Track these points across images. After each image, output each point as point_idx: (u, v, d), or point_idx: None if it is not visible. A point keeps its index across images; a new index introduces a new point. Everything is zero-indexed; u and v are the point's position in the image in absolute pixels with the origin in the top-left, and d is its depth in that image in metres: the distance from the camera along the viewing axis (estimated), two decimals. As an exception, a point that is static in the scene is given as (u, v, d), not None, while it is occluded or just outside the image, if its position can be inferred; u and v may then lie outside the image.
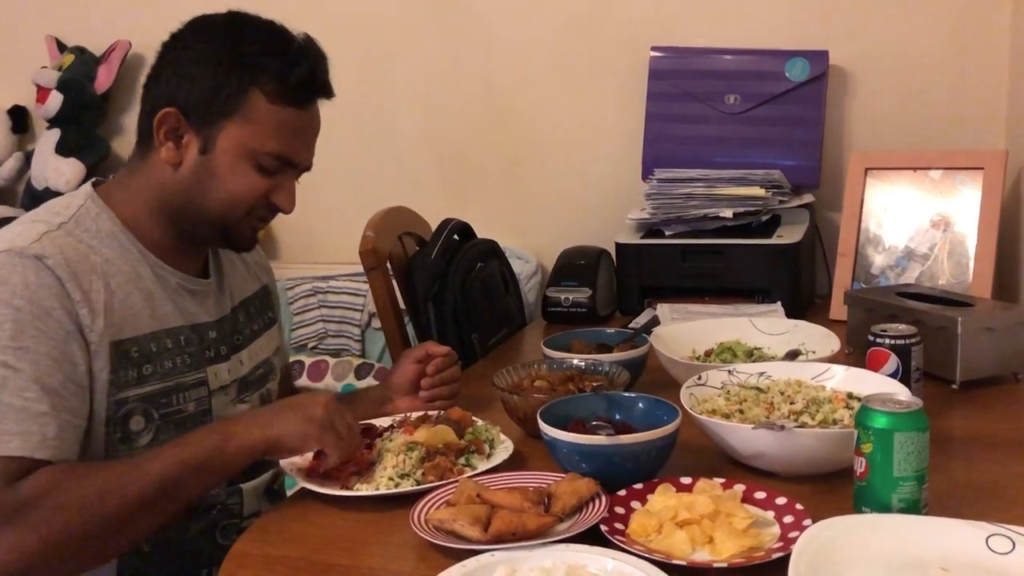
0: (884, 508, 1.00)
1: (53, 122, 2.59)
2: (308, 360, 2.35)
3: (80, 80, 2.54)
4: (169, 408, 1.20)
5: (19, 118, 2.71)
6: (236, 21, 1.23)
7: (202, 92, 1.18)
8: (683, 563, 0.93)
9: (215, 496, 1.28)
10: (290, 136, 1.22)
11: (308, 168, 1.29)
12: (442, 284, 1.83)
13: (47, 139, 2.59)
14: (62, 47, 2.63)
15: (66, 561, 1.06)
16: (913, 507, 0.99)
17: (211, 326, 1.29)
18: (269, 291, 1.48)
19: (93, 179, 1.28)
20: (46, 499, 1.02)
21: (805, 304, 1.94)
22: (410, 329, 1.88)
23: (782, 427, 1.09)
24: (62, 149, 2.56)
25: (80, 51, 2.59)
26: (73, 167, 2.53)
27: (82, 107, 2.56)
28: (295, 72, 1.20)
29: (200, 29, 1.23)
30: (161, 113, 1.19)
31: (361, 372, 2.29)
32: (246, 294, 1.40)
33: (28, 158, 2.67)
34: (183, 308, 1.25)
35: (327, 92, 1.26)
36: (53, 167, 2.54)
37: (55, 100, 2.54)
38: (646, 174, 2.07)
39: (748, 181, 1.94)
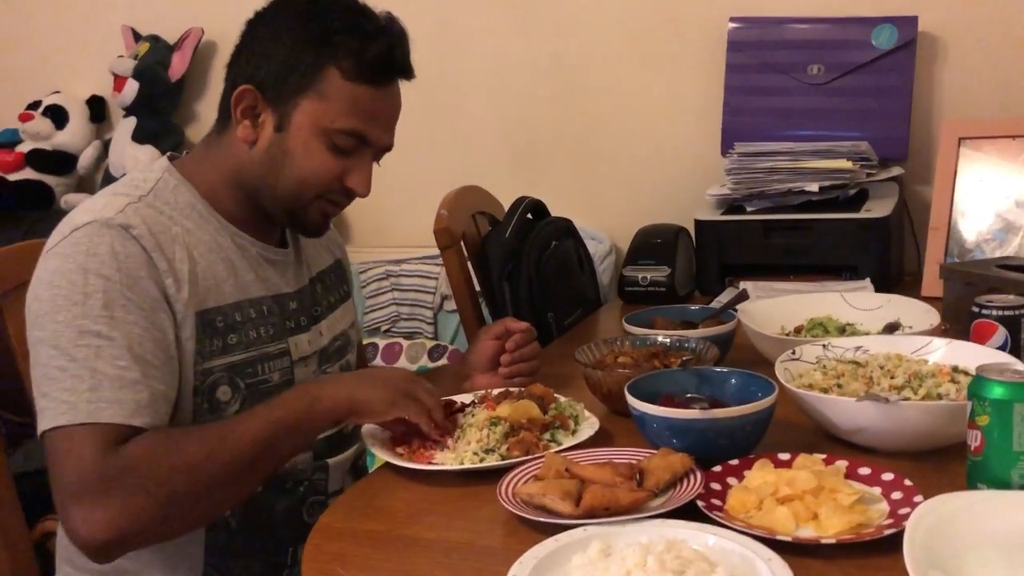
0: (1002, 485, 0.94)
1: (129, 110, 2.63)
2: (382, 343, 2.34)
3: (155, 68, 2.57)
4: (254, 378, 1.20)
5: (97, 108, 2.76)
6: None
7: (278, 69, 1.18)
8: (788, 539, 0.89)
9: (301, 472, 1.27)
10: (365, 114, 1.20)
11: (387, 149, 1.26)
12: (517, 263, 1.80)
13: (124, 127, 2.63)
14: (137, 36, 2.66)
15: (175, 521, 1.07)
16: (1036, 483, 0.93)
17: (291, 296, 1.29)
18: (342, 265, 1.47)
19: (168, 154, 1.28)
20: (150, 462, 1.03)
21: (894, 281, 1.86)
22: (484, 310, 1.86)
23: (887, 399, 1.04)
24: (138, 136, 2.59)
25: (155, 39, 2.62)
26: (149, 154, 2.56)
27: (157, 95, 2.59)
28: (371, 49, 1.18)
29: (281, 7, 1.22)
30: (239, 90, 1.18)
31: (435, 354, 2.28)
32: (322, 267, 1.39)
33: (106, 147, 2.72)
34: (264, 278, 1.25)
35: (406, 72, 1.24)
36: (130, 155, 2.58)
37: (131, 88, 2.58)
38: (726, 149, 2.00)
39: (834, 153, 1.87)
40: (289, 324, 1.27)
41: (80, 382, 1.04)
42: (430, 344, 2.31)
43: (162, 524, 1.05)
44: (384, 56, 1.19)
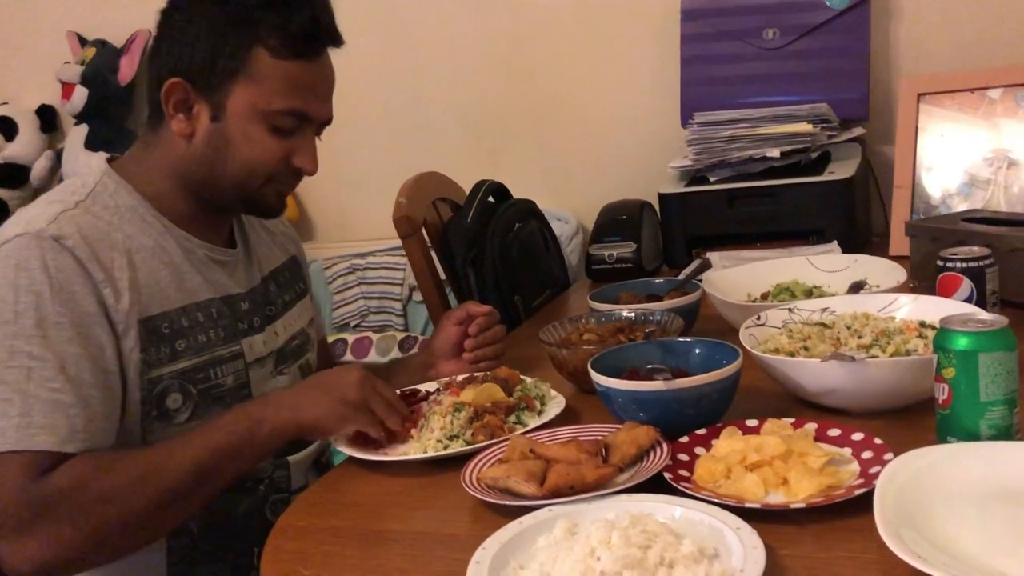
0: (972, 436, 0.92)
1: (80, 118, 2.57)
2: (351, 337, 2.31)
3: (103, 73, 2.51)
4: (207, 383, 1.16)
5: (47, 117, 2.70)
6: None
7: (204, 57, 1.13)
8: (757, 506, 0.86)
9: (261, 470, 1.24)
10: (301, 91, 1.15)
11: (327, 122, 1.22)
12: (480, 248, 1.77)
13: (76, 135, 2.57)
14: (83, 41, 2.60)
15: (104, 551, 1.04)
16: (1005, 433, 0.92)
17: (242, 297, 1.25)
18: (298, 261, 1.43)
19: (107, 156, 1.23)
20: (78, 492, 1.00)
21: (862, 242, 1.84)
22: (451, 298, 1.83)
23: (853, 358, 1.01)
24: (91, 144, 2.53)
25: (101, 44, 2.55)
26: (102, 162, 2.50)
27: (107, 100, 2.53)
28: (295, 21, 1.13)
29: None
30: (167, 84, 1.14)
31: (405, 346, 2.24)
32: (274, 264, 1.36)
33: (59, 156, 2.66)
34: (212, 280, 1.21)
35: (334, 39, 1.19)
36: (84, 163, 2.51)
37: (80, 95, 2.52)
38: (685, 119, 1.98)
39: (794, 117, 1.84)
40: (242, 325, 1.23)
41: (10, 406, 1.00)
42: (400, 336, 2.28)
43: (93, 554, 1.02)
44: (309, 27, 1.15)
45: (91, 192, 1.14)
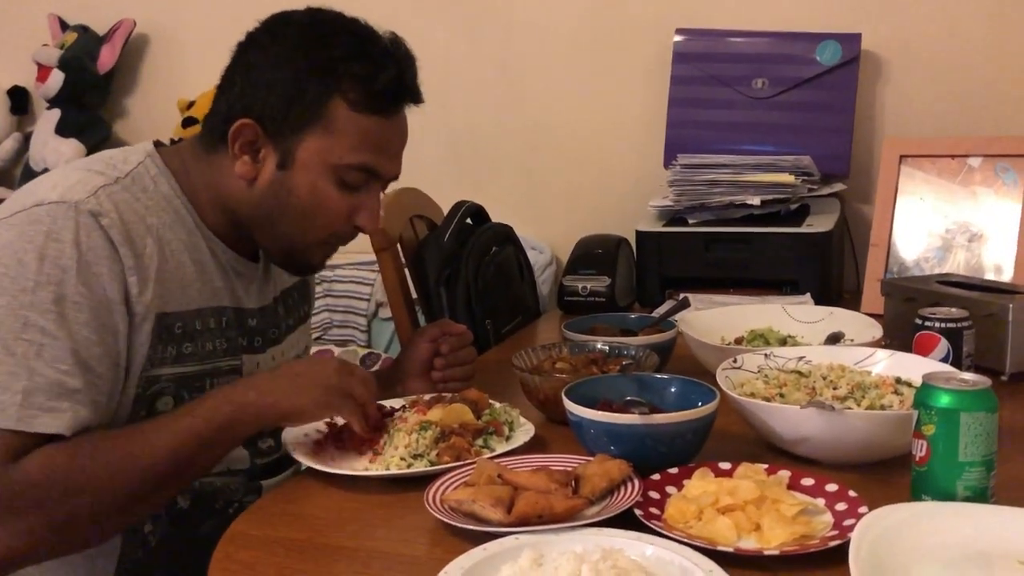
0: (947, 496, 0.91)
1: (53, 102, 2.51)
2: (312, 350, 2.26)
3: (82, 59, 2.46)
4: (201, 392, 1.11)
5: (19, 99, 2.63)
6: (316, 21, 1.13)
7: (279, 101, 1.08)
8: (729, 550, 0.84)
9: (233, 492, 1.20)
10: (374, 147, 1.12)
11: (394, 179, 1.19)
12: (455, 268, 1.74)
13: (47, 119, 2.51)
14: (64, 26, 2.55)
15: (77, 540, 1.00)
16: (980, 495, 0.90)
17: (253, 313, 1.21)
18: (308, 283, 1.39)
19: (154, 140, 1.18)
20: (53, 481, 0.94)
21: (834, 297, 1.85)
22: (420, 317, 1.80)
23: (832, 408, 1.00)
24: (62, 130, 2.47)
25: (83, 29, 2.51)
26: (73, 148, 2.45)
27: (84, 87, 2.48)
28: (380, 77, 1.10)
29: (277, 30, 1.13)
30: (237, 124, 1.09)
31: (367, 362, 2.20)
32: (287, 284, 1.31)
33: (27, 140, 2.59)
34: (231, 288, 1.17)
35: (415, 97, 1.17)
36: (52, 148, 2.46)
37: (56, 79, 2.46)
38: (669, 160, 1.98)
39: (777, 167, 1.85)
40: (243, 341, 1.19)
41: (15, 380, 0.95)
42: (362, 352, 2.24)
43: (61, 543, 0.98)
44: (394, 83, 1.12)
45: (131, 172, 1.09)
